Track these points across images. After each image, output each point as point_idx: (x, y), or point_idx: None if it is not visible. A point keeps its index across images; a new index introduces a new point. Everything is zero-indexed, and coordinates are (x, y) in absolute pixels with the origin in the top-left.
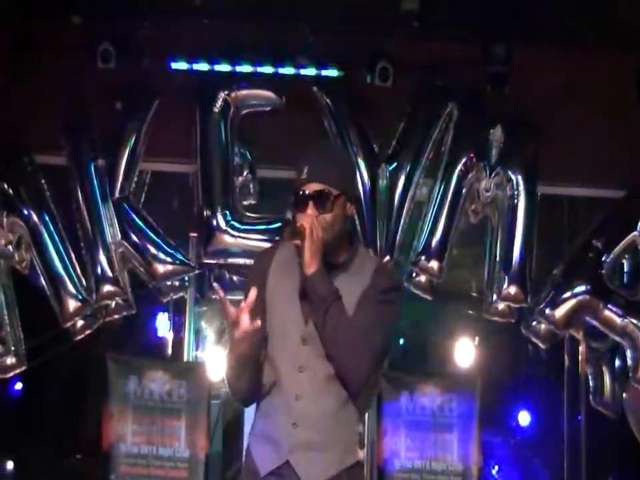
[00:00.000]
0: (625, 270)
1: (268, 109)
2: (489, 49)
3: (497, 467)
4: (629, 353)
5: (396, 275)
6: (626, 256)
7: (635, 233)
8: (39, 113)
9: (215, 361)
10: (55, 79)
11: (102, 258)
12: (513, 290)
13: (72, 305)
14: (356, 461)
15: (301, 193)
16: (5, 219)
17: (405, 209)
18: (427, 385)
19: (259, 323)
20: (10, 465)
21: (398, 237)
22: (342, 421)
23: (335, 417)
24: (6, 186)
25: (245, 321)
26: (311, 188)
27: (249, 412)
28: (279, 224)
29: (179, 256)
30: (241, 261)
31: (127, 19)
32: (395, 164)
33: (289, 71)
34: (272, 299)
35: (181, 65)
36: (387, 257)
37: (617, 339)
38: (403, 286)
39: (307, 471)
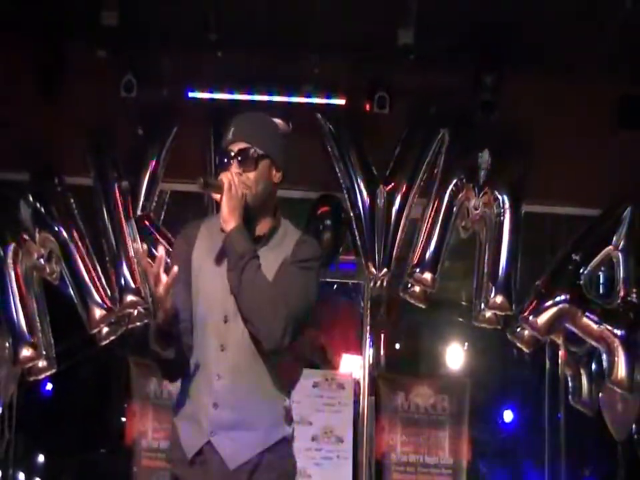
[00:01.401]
0: (601, 281)
1: None
2: (478, 78)
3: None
4: (604, 357)
5: (316, 246)
6: (602, 268)
7: (610, 247)
8: (68, 138)
9: None
10: (82, 106)
11: (125, 270)
12: (499, 299)
13: (98, 313)
14: (281, 437)
15: (226, 152)
16: (37, 235)
17: (401, 225)
18: (421, 386)
19: (169, 302)
20: (41, 458)
21: (394, 251)
22: (264, 398)
23: (256, 395)
24: (38, 205)
25: (160, 291)
26: (236, 147)
27: None
28: None
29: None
30: None
31: (148, 52)
32: (392, 184)
33: (296, 99)
34: (197, 273)
35: (198, 94)
36: (385, 270)
37: (594, 343)
38: (322, 257)
39: (229, 451)
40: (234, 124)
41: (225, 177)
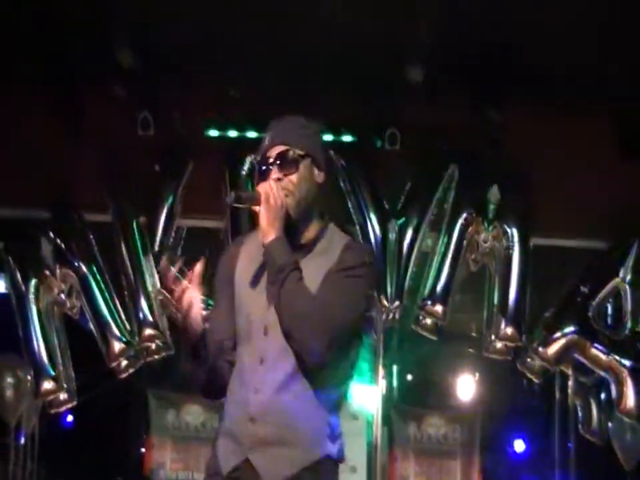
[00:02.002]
0: (609, 312)
1: None
2: (485, 115)
3: None
4: (613, 387)
5: (366, 252)
6: (609, 300)
7: (617, 279)
8: (87, 175)
9: None
10: (100, 144)
11: (143, 304)
12: (509, 330)
13: (117, 346)
14: (325, 455)
15: (263, 158)
16: (57, 270)
17: (412, 258)
18: (433, 416)
19: (198, 306)
20: None
21: (406, 284)
22: (305, 414)
23: (296, 411)
24: (59, 241)
25: (187, 299)
26: (274, 152)
27: None
28: None
29: (210, 302)
30: None
31: (164, 91)
32: (403, 219)
33: None
34: (239, 289)
35: (214, 132)
36: (397, 302)
37: (603, 374)
38: (373, 263)
39: (267, 469)
40: (270, 129)
41: (261, 188)
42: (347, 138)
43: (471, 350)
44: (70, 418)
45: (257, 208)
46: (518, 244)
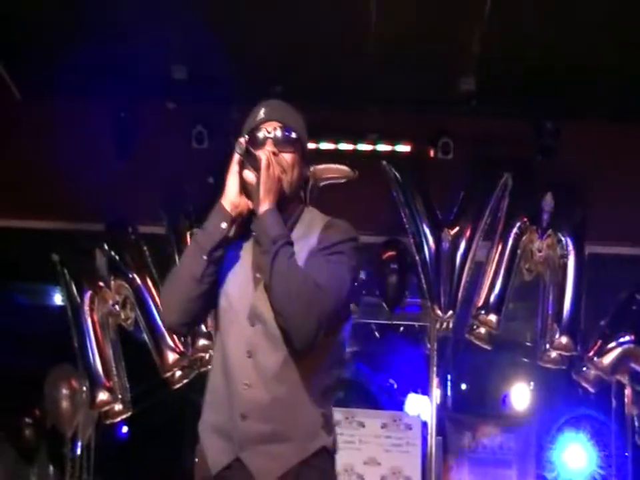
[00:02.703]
0: None
1: (343, 180)
2: (539, 124)
3: None
4: None
5: (347, 227)
6: None
7: None
8: (141, 188)
9: None
10: (154, 158)
11: None
12: (564, 340)
13: (171, 357)
14: (321, 446)
15: (260, 130)
16: (112, 282)
17: (466, 268)
18: (488, 426)
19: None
20: None
21: (460, 293)
22: (299, 407)
23: (289, 404)
24: (113, 253)
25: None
26: (270, 126)
27: None
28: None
29: None
30: None
31: (217, 104)
32: (457, 228)
33: (362, 147)
34: (222, 272)
35: None
36: (450, 312)
37: None
38: (356, 238)
39: (260, 467)
40: (265, 105)
41: (262, 154)
42: (400, 148)
43: (525, 359)
44: (125, 429)
45: (249, 176)
46: (572, 252)
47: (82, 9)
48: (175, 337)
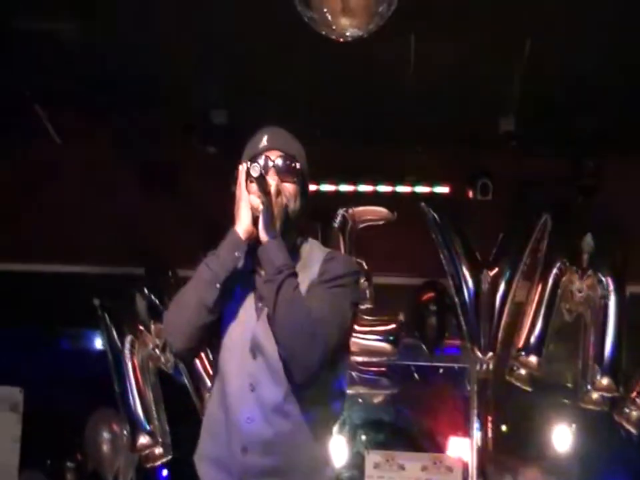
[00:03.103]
0: None
1: (382, 222)
2: (579, 163)
3: None
4: None
5: (349, 261)
6: None
7: None
8: (181, 232)
9: None
10: (194, 202)
11: None
12: (605, 381)
13: None
14: None
15: (261, 158)
16: (152, 326)
17: (506, 309)
18: (529, 468)
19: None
20: None
21: (500, 335)
22: (301, 441)
23: (291, 438)
24: (153, 297)
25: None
26: (274, 154)
27: None
28: (394, 325)
29: None
30: (359, 358)
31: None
32: (496, 269)
33: (400, 189)
34: (226, 300)
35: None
36: (490, 353)
37: None
38: (358, 271)
39: None
40: (267, 133)
41: (272, 179)
42: (439, 189)
43: (566, 401)
44: (165, 472)
45: (255, 202)
46: (613, 292)
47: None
48: None
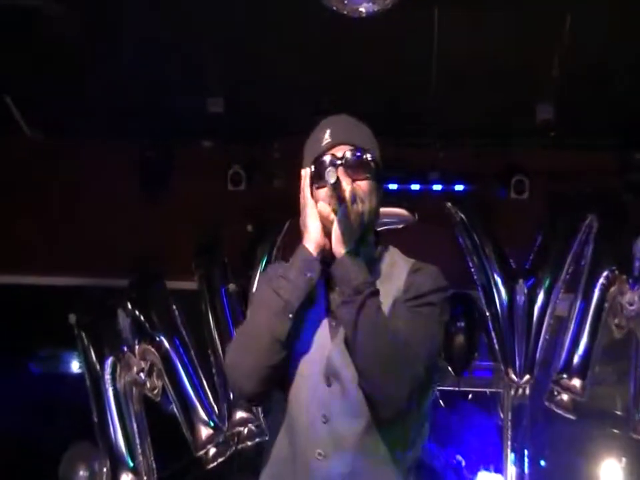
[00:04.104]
0: None
1: (401, 226)
2: (627, 156)
3: None
4: None
5: (437, 274)
6: None
7: None
8: (169, 239)
9: None
10: (186, 203)
11: None
12: None
13: (204, 432)
14: None
15: (329, 157)
16: (136, 346)
17: (545, 324)
18: None
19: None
20: None
21: (538, 354)
22: (382, 478)
23: (370, 476)
24: (137, 312)
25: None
26: (340, 150)
27: None
28: None
29: None
30: None
31: (256, 141)
32: (533, 279)
33: (421, 187)
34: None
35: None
36: (527, 376)
37: None
38: (447, 286)
39: None
40: (329, 126)
41: (346, 184)
42: (466, 187)
43: (615, 430)
44: None
45: (325, 211)
46: None
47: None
48: (208, 408)
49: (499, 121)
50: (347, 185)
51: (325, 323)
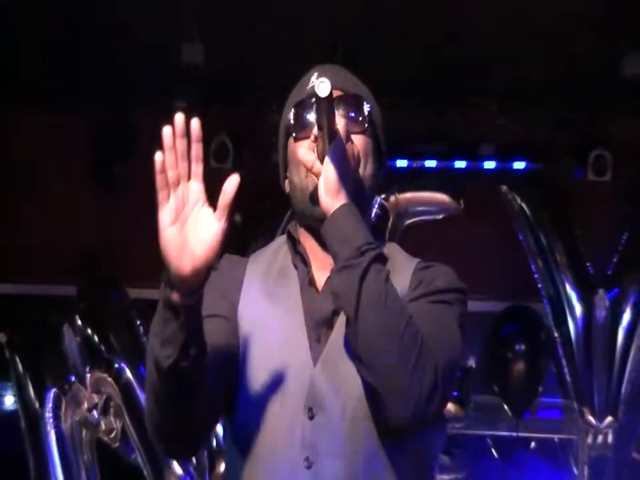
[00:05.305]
0: None
1: (441, 216)
2: None
3: None
4: None
5: (452, 274)
6: None
7: None
8: (128, 234)
9: None
10: (150, 189)
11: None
12: None
13: None
14: None
15: (318, 97)
16: (88, 374)
17: (632, 350)
18: None
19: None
20: None
21: (623, 390)
22: None
23: None
24: (89, 331)
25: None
26: (336, 94)
27: None
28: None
29: None
30: None
31: (245, 103)
32: (618, 289)
33: (468, 165)
34: (248, 330)
35: None
36: (609, 418)
37: None
38: (466, 291)
39: None
40: (320, 69)
41: (339, 125)
42: (529, 165)
43: None
44: None
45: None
46: None
47: None
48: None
49: (574, 77)
50: (340, 119)
51: (301, 336)
